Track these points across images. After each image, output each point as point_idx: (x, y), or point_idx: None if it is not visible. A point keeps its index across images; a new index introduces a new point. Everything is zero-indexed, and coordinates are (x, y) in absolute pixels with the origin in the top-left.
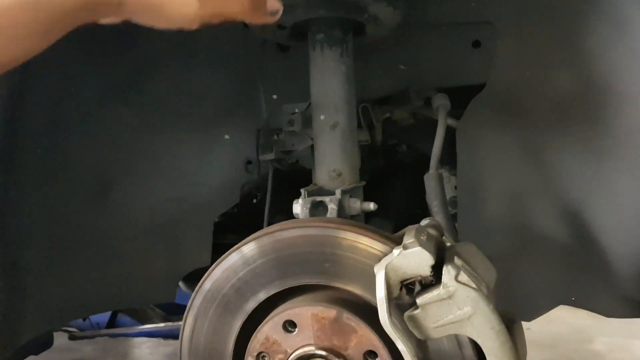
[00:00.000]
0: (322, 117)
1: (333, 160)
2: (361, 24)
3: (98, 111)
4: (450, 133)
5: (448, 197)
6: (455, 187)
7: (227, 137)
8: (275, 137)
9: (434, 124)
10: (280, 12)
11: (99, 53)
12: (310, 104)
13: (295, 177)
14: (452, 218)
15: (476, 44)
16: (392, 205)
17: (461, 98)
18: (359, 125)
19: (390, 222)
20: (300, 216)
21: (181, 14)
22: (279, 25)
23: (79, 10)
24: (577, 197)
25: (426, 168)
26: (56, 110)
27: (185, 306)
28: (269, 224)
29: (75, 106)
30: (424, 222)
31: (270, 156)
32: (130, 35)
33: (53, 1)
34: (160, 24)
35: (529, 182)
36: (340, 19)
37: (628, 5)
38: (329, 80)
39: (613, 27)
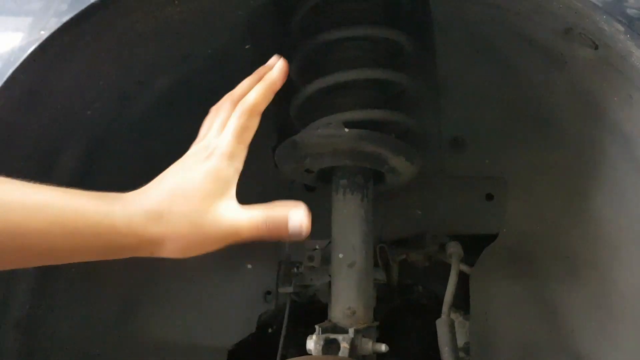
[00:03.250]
0: (340, 255)
1: (348, 298)
2: (382, 173)
3: None
4: (464, 278)
5: (462, 342)
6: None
7: (249, 266)
8: (295, 270)
9: (449, 268)
10: (305, 231)
11: (137, 182)
12: (330, 242)
13: (312, 310)
14: None
15: (489, 197)
16: (407, 345)
17: (475, 246)
18: (376, 265)
19: None
20: (313, 352)
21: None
22: (307, 170)
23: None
24: (584, 352)
25: (441, 311)
26: None
27: None
28: (283, 356)
29: None
30: None
31: (289, 289)
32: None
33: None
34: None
35: (539, 334)
36: (362, 168)
37: (629, 175)
38: (348, 222)
39: (617, 195)
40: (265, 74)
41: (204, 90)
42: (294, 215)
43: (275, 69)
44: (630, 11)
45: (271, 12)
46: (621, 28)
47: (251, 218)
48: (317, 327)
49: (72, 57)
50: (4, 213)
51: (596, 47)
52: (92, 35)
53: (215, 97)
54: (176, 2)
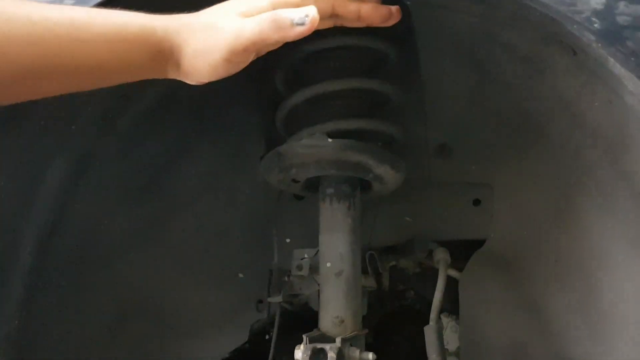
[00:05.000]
0: (328, 264)
1: (336, 307)
2: (368, 182)
3: (120, 251)
4: (454, 283)
5: (455, 347)
6: None
7: (241, 275)
8: (286, 278)
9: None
10: (311, 21)
11: (127, 195)
12: (318, 251)
13: (304, 318)
14: None
15: (476, 202)
16: (400, 351)
17: (464, 251)
18: (366, 272)
19: None
20: None
21: (214, 74)
22: (294, 180)
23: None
24: (573, 355)
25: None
26: (85, 248)
27: None
28: None
29: (102, 244)
30: None
31: (279, 299)
32: (158, 177)
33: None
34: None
35: (528, 338)
36: (348, 177)
37: (612, 180)
38: (336, 231)
39: (600, 199)
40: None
41: (190, 103)
42: (299, 10)
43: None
44: (620, 18)
45: None
46: (592, 37)
47: (256, 17)
48: (304, 336)
49: None
50: (54, 27)
51: (575, 54)
52: None
53: (201, 110)
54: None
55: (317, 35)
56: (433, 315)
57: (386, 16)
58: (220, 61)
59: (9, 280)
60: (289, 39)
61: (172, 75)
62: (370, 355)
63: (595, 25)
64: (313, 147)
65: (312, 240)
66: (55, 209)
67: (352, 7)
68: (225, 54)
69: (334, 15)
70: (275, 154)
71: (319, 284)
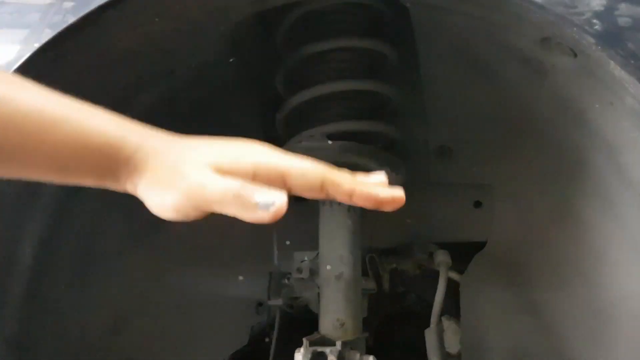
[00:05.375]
0: (328, 267)
1: (337, 310)
2: None
3: (120, 254)
4: (455, 286)
5: (456, 349)
6: None
7: (241, 278)
8: (286, 281)
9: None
10: (278, 209)
11: (124, 201)
12: (318, 254)
13: (305, 321)
14: None
15: (477, 204)
16: (401, 353)
17: (464, 253)
18: (367, 274)
19: None
20: None
21: (161, 215)
22: None
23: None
24: (574, 358)
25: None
26: (84, 251)
27: None
28: None
29: (102, 248)
30: None
31: (279, 301)
32: None
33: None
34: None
35: (529, 340)
36: None
37: (613, 181)
38: (335, 233)
39: (601, 200)
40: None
41: (189, 105)
42: (268, 195)
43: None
44: (621, 20)
45: (255, 26)
46: (592, 40)
47: (225, 181)
48: (304, 340)
49: (54, 75)
50: (21, 121)
51: (575, 55)
52: (74, 52)
53: (199, 112)
54: (156, 19)
55: (317, 37)
56: (434, 318)
57: (382, 204)
58: (169, 205)
59: (10, 282)
60: (247, 219)
61: (129, 191)
62: (371, 358)
63: (596, 27)
64: (313, 149)
65: (312, 242)
66: (54, 212)
67: (345, 190)
68: (175, 202)
69: (323, 190)
70: None
71: (319, 287)
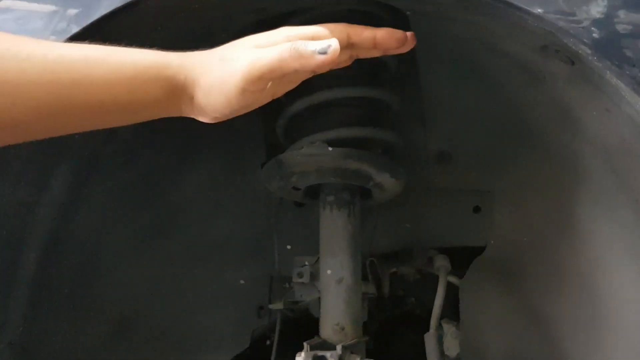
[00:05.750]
0: (328, 272)
1: (337, 314)
2: (368, 189)
3: (124, 258)
4: (455, 290)
5: (455, 353)
6: None
7: (242, 282)
8: (287, 285)
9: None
10: (335, 49)
11: (129, 203)
12: (318, 258)
13: (305, 324)
14: None
15: (477, 209)
16: (402, 356)
17: (464, 258)
18: (367, 279)
19: None
20: None
21: (230, 109)
22: (294, 187)
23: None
24: None
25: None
26: (87, 257)
27: None
28: None
29: (104, 253)
30: None
31: (279, 306)
32: (160, 185)
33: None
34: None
35: (529, 345)
36: (348, 184)
37: (610, 187)
38: (336, 238)
39: (599, 206)
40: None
41: None
42: (321, 42)
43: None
44: (619, 27)
45: (255, 33)
46: (588, 50)
47: (276, 46)
48: (305, 344)
49: None
50: (69, 66)
51: (573, 64)
52: None
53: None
54: (159, 28)
55: None
56: (433, 322)
57: (402, 40)
58: (234, 91)
59: (13, 287)
60: (309, 68)
61: (186, 111)
62: None
63: (594, 34)
64: (314, 155)
65: (312, 247)
66: (58, 216)
67: (367, 34)
68: (240, 82)
69: (349, 45)
70: (276, 162)
71: (319, 291)
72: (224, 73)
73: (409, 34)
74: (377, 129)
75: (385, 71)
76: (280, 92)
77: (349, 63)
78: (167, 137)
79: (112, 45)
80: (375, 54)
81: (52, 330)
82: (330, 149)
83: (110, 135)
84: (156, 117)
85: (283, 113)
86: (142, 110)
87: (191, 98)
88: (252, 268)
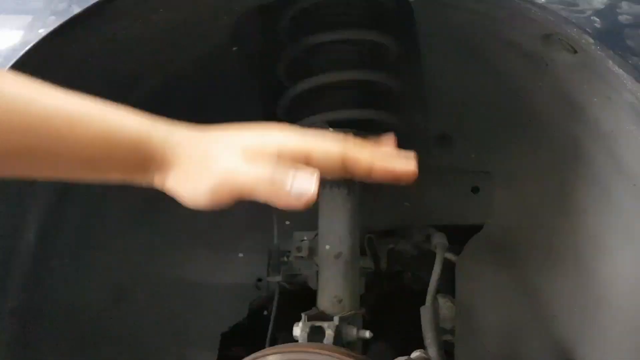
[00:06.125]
0: (327, 247)
1: (335, 287)
2: None
3: (123, 230)
4: (451, 266)
5: (449, 326)
6: None
7: (241, 255)
8: (285, 258)
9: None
10: (310, 198)
11: None
12: (317, 234)
13: (303, 297)
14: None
15: (475, 190)
16: (398, 329)
17: (461, 236)
18: (364, 254)
19: (395, 347)
20: (299, 339)
21: (194, 204)
22: None
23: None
24: (568, 340)
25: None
26: (86, 228)
27: None
28: (273, 339)
29: (103, 224)
30: (414, 354)
31: (278, 278)
32: None
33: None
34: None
35: (523, 320)
36: None
37: (609, 171)
38: (335, 215)
39: (597, 189)
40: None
41: (192, 92)
42: (301, 181)
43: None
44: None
45: (258, 17)
46: (591, 40)
47: (257, 168)
48: (303, 314)
49: (59, 64)
50: (50, 119)
51: (575, 52)
52: (78, 41)
53: (202, 99)
54: (161, 10)
55: (319, 27)
56: (429, 295)
57: (398, 178)
58: (203, 193)
59: (14, 258)
60: (278, 204)
61: (157, 185)
62: (367, 333)
63: (596, 24)
64: None
65: (311, 223)
66: (58, 190)
67: (363, 166)
68: (210, 189)
69: (342, 168)
70: None
71: (317, 265)
72: (199, 172)
73: (410, 168)
74: (378, 110)
75: (388, 55)
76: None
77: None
78: (168, 113)
79: (99, 103)
80: (369, 180)
81: (51, 299)
82: (330, 130)
83: None
84: (124, 182)
85: (284, 94)
86: (112, 175)
87: (163, 178)
88: (251, 241)
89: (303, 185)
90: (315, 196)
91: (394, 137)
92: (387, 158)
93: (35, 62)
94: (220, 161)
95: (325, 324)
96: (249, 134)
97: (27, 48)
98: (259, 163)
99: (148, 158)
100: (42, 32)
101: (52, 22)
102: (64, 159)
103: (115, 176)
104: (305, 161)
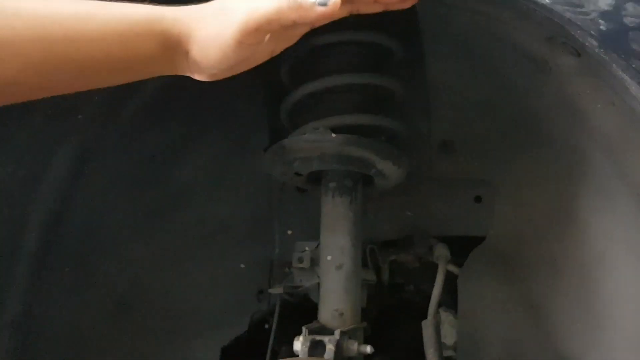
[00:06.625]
0: (328, 257)
1: (336, 300)
2: (370, 176)
3: (124, 239)
4: (453, 279)
5: (452, 341)
6: None
7: (242, 266)
8: (287, 269)
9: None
10: (336, 2)
11: (129, 188)
12: (319, 244)
13: (305, 309)
14: None
15: (478, 199)
16: (399, 343)
17: (464, 247)
18: (367, 265)
19: None
20: (300, 354)
21: (224, 60)
22: (296, 173)
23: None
24: (571, 355)
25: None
26: (88, 236)
27: None
28: (274, 353)
29: (105, 233)
30: None
31: (279, 290)
32: (162, 167)
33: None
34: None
35: (526, 335)
36: (351, 171)
37: (613, 180)
38: (337, 225)
39: (600, 199)
40: None
41: (195, 94)
42: None
43: None
44: (626, 19)
45: None
46: (595, 43)
47: None
48: (303, 328)
49: None
50: (60, 20)
51: (579, 55)
52: None
53: (204, 99)
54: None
55: (323, 29)
56: (431, 309)
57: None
58: (231, 44)
59: (15, 267)
60: (308, 20)
61: (181, 67)
62: (368, 348)
63: (601, 27)
64: (317, 142)
65: (313, 232)
66: (60, 197)
67: None
68: (236, 34)
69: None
70: (279, 147)
71: (319, 277)
72: (220, 25)
73: None
74: (381, 116)
75: (391, 59)
76: (279, 48)
77: (346, 15)
78: (169, 120)
79: None
80: (377, 8)
81: (53, 309)
82: (333, 135)
83: (112, 116)
84: (152, 75)
85: (287, 98)
86: (136, 66)
87: (186, 53)
88: (252, 252)
89: None
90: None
91: None
92: None
93: None
94: (237, 9)
95: (326, 338)
96: None
97: None
98: None
99: (165, 37)
100: None
101: None
102: (85, 57)
103: (139, 68)
104: None
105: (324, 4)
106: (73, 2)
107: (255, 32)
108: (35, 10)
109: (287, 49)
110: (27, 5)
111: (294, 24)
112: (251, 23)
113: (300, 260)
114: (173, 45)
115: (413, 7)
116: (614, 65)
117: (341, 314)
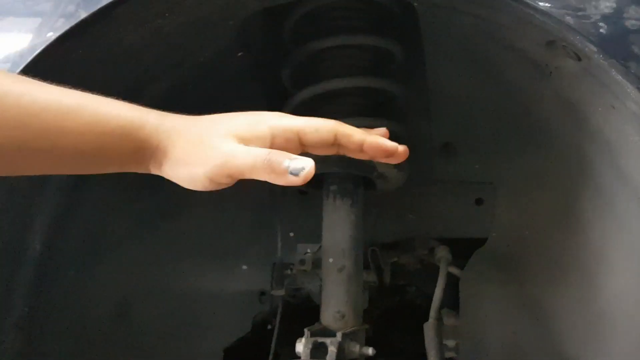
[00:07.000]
0: (330, 260)
1: (338, 302)
2: (372, 179)
3: (128, 241)
4: (455, 281)
5: (453, 343)
6: None
7: (244, 267)
8: (289, 271)
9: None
10: (308, 173)
11: (132, 190)
12: (320, 246)
13: (307, 311)
14: None
15: (479, 202)
16: (400, 344)
17: (465, 249)
18: (368, 267)
19: None
20: (302, 356)
21: (193, 188)
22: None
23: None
24: (572, 356)
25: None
26: (91, 239)
27: None
28: (276, 355)
29: (108, 237)
30: None
31: (281, 292)
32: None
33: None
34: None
35: (526, 336)
36: (352, 174)
37: (613, 183)
38: (338, 227)
39: (601, 201)
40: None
41: (197, 97)
42: (297, 161)
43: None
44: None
45: (263, 21)
46: (594, 48)
47: (253, 150)
48: (306, 330)
49: (66, 67)
50: (40, 112)
51: (579, 59)
52: (85, 46)
53: (208, 104)
54: (167, 14)
55: (324, 33)
56: (433, 311)
57: (391, 152)
58: (202, 177)
59: (19, 269)
60: (277, 183)
61: (154, 171)
62: (370, 350)
63: (602, 30)
64: None
65: (315, 235)
66: (63, 201)
67: (356, 140)
68: (208, 172)
69: (335, 144)
70: None
71: (321, 279)
72: (196, 156)
73: (400, 147)
74: (381, 119)
75: (392, 62)
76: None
77: (333, 154)
78: None
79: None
80: (364, 157)
81: (57, 311)
82: None
83: None
84: (123, 171)
85: (289, 101)
86: (108, 166)
87: (160, 164)
88: (254, 254)
89: (299, 163)
90: (313, 170)
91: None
92: (378, 137)
93: (42, 68)
94: (216, 145)
95: (328, 340)
96: (242, 118)
97: (34, 53)
98: (254, 144)
99: (142, 146)
100: (52, 35)
101: (61, 25)
102: (58, 152)
103: (111, 167)
104: (298, 139)
105: (296, 174)
106: (59, 93)
107: (226, 177)
108: (19, 99)
109: (289, 54)
110: (13, 92)
111: (263, 180)
112: (225, 170)
113: (302, 262)
114: (149, 154)
115: (414, 11)
116: (613, 70)
117: (343, 316)
